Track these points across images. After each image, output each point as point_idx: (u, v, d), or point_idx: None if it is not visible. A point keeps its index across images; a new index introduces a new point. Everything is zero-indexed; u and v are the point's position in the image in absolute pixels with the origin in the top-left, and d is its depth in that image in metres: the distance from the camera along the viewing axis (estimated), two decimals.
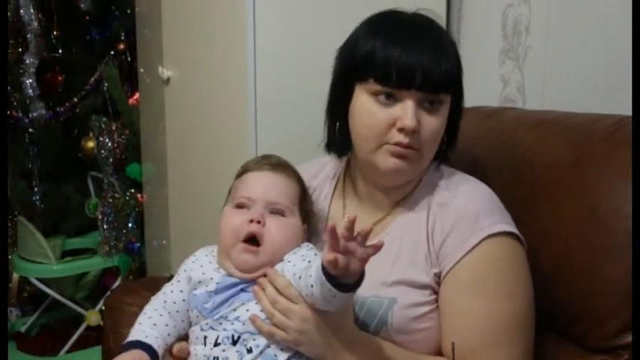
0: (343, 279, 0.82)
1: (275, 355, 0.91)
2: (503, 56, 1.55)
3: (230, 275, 0.97)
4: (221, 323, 0.93)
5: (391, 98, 0.95)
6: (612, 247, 0.92)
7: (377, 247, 0.80)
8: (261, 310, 0.93)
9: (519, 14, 1.49)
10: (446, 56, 0.95)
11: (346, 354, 0.92)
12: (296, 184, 1.04)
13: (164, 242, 2.06)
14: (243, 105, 1.51)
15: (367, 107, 0.97)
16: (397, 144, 0.95)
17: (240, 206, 0.99)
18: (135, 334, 0.96)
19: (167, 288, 1.02)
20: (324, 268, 0.82)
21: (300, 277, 0.90)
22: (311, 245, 1.01)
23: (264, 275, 0.96)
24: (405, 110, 0.94)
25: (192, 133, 1.81)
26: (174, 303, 1.00)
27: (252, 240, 0.96)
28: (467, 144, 1.22)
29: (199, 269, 1.00)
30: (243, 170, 1.05)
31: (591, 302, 0.94)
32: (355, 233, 0.79)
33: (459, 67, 1.00)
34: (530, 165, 1.09)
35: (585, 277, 0.95)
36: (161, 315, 0.99)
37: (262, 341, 0.92)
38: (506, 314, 0.93)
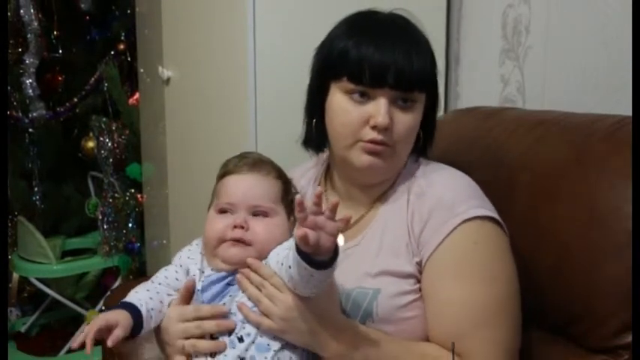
0: (316, 256, 0.82)
1: (268, 345, 0.92)
2: (504, 56, 1.55)
3: (217, 271, 0.97)
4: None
5: (365, 96, 0.97)
6: (612, 247, 0.92)
7: (345, 221, 0.82)
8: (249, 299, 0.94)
9: (519, 14, 1.49)
10: (419, 55, 0.97)
11: (332, 342, 0.92)
12: (276, 180, 1.02)
13: (164, 242, 2.06)
14: (243, 105, 1.51)
15: (341, 105, 0.99)
16: (370, 141, 0.97)
17: (222, 211, 1.00)
18: (127, 297, 0.97)
19: (165, 272, 1.02)
20: (297, 247, 0.82)
21: (282, 264, 0.91)
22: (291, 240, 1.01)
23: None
24: (378, 108, 0.96)
25: (192, 133, 1.81)
26: (170, 284, 1.01)
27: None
28: (467, 144, 1.23)
29: (191, 262, 1.02)
30: (223, 173, 1.04)
31: (591, 302, 0.94)
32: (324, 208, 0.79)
33: (433, 66, 1.02)
34: (530, 165, 1.09)
35: (585, 277, 0.95)
36: (159, 284, 1.00)
37: (252, 330, 0.92)
38: (488, 297, 0.93)
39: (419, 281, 0.97)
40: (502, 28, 1.55)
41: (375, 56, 0.95)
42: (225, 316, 0.92)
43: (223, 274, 0.97)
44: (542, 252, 1.02)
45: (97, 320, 0.90)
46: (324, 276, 0.85)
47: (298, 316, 0.91)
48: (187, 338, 0.93)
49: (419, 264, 0.97)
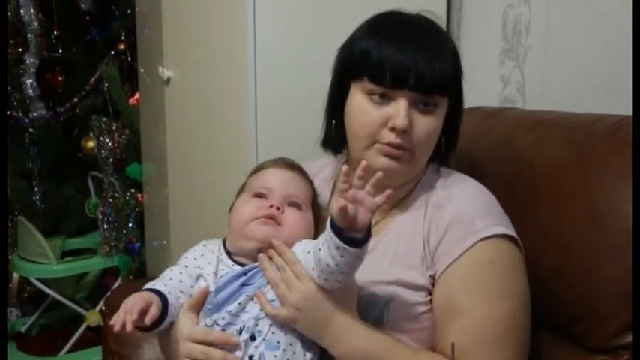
0: (350, 232, 0.83)
1: (278, 342, 0.91)
2: (504, 56, 1.55)
3: (233, 263, 0.97)
4: (224, 317, 0.92)
5: (385, 97, 0.96)
6: (612, 247, 0.92)
7: (386, 197, 0.82)
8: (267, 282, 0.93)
9: (519, 14, 1.49)
10: (441, 58, 0.95)
11: (340, 341, 0.91)
12: (310, 185, 1.06)
13: (164, 242, 2.06)
14: (243, 105, 1.51)
15: (361, 106, 0.98)
16: (388, 144, 0.96)
17: (257, 196, 1.00)
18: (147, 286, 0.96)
19: (170, 273, 1.01)
20: (332, 222, 0.83)
21: (309, 252, 0.91)
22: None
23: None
24: (398, 110, 0.94)
25: (192, 133, 1.81)
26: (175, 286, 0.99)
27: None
28: (467, 144, 1.22)
29: (200, 263, 0.99)
30: (259, 167, 1.06)
31: (591, 302, 0.94)
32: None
33: (457, 70, 1.00)
34: (530, 165, 1.09)
35: (585, 277, 0.95)
36: (165, 285, 0.98)
37: (264, 327, 0.91)
38: (498, 315, 0.92)
39: (431, 293, 0.96)
40: (502, 28, 1.55)
41: (396, 57, 0.93)
42: (232, 348, 0.90)
43: (238, 271, 0.95)
44: (542, 252, 1.02)
45: (135, 302, 0.89)
46: (353, 257, 0.85)
47: (312, 307, 0.90)
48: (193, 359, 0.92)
49: (432, 277, 0.96)
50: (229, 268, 0.97)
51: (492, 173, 1.13)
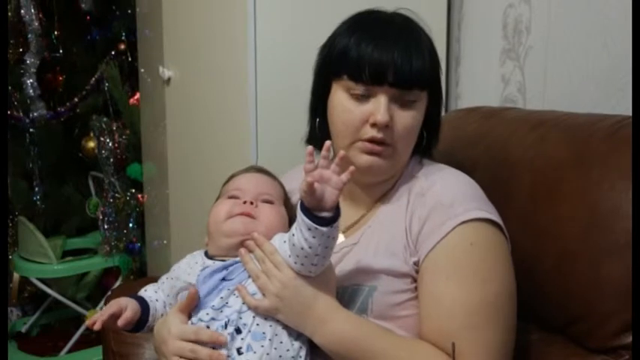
0: (320, 212, 0.86)
1: (264, 333, 0.92)
2: (504, 56, 1.55)
3: (212, 258, 1.00)
4: (208, 313, 0.93)
5: (365, 95, 0.98)
6: (612, 247, 0.92)
7: (351, 173, 0.86)
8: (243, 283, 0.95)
9: (520, 14, 1.49)
10: (418, 53, 0.97)
11: (323, 326, 0.92)
12: (281, 186, 1.09)
13: (165, 242, 2.06)
14: (243, 105, 1.51)
15: (342, 103, 1.00)
16: (370, 140, 0.98)
17: (231, 197, 1.03)
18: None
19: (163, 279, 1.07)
20: (302, 204, 0.86)
21: (285, 241, 0.93)
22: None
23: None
24: (378, 106, 0.97)
25: (192, 133, 1.81)
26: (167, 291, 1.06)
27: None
28: (467, 144, 1.23)
29: (184, 271, 1.02)
30: (231, 176, 1.10)
31: (591, 302, 0.94)
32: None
33: (434, 64, 1.02)
34: (531, 165, 1.09)
35: (585, 277, 0.95)
36: (158, 288, 1.07)
37: (248, 319, 0.93)
38: (481, 299, 0.92)
39: (415, 281, 0.97)
40: (503, 28, 1.55)
41: (375, 54, 0.96)
42: (221, 346, 0.91)
43: (218, 265, 0.97)
44: (542, 252, 1.02)
45: (110, 306, 0.98)
46: (325, 238, 0.87)
47: (292, 295, 0.92)
48: (181, 357, 0.93)
49: (415, 264, 0.97)
50: (211, 263, 0.99)
51: (493, 173, 1.13)
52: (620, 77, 1.20)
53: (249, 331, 0.92)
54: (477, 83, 1.62)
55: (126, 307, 0.98)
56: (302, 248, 0.88)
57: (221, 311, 0.93)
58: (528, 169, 1.09)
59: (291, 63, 1.51)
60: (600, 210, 0.94)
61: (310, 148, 0.87)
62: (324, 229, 0.86)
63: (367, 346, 0.92)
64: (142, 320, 1.01)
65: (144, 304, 1.02)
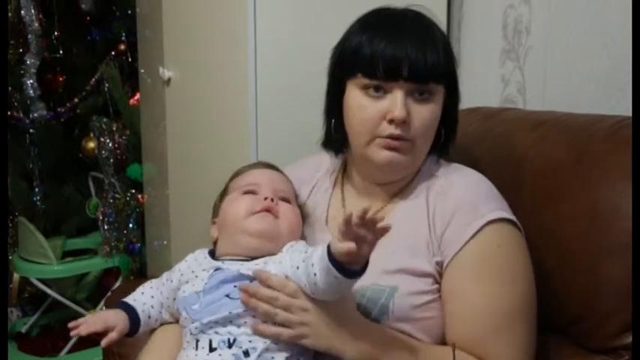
0: (351, 266, 0.82)
1: (272, 358, 0.90)
2: (504, 57, 1.55)
3: (224, 261, 0.96)
4: (211, 327, 0.91)
5: (380, 91, 0.97)
6: (612, 247, 0.92)
7: (385, 230, 0.80)
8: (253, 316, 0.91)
9: (520, 14, 1.49)
10: (432, 47, 0.96)
11: (355, 343, 0.90)
12: (290, 183, 1.08)
13: (165, 243, 2.06)
14: (243, 105, 1.51)
15: (358, 102, 0.99)
16: (389, 136, 0.96)
17: (248, 192, 1.01)
18: (126, 298, 1.03)
19: (163, 279, 1.05)
20: (330, 255, 0.82)
21: (298, 268, 0.90)
22: (304, 242, 1.01)
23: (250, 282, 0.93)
24: (394, 101, 0.95)
25: (192, 134, 1.81)
26: (166, 293, 1.04)
27: None
28: (467, 144, 1.22)
29: (188, 269, 1.00)
30: (239, 171, 1.08)
31: (591, 302, 0.94)
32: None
33: (449, 58, 1.01)
34: (531, 165, 1.09)
35: (585, 277, 0.95)
36: (156, 288, 1.05)
37: (259, 344, 0.89)
38: (509, 300, 0.93)
39: (437, 281, 0.96)
40: (503, 29, 1.55)
41: (388, 50, 0.95)
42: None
43: (228, 276, 0.93)
44: (542, 252, 1.02)
45: (97, 321, 0.95)
46: (351, 284, 0.86)
47: (316, 319, 0.89)
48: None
49: (439, 264, 0.96)
50: (224, 267, 0.96)
51: (493, 174, 1.13)
52: (620, 77, 1.20)
53: (259, 356, 0.89)
54: (476, 84, 1.62)
55: (113, 326, 0.96)
56: (325, 291, 0.86)
57: (224, 326, 0.91)
58: (528, 169, 1.09)
59: (291, 63, 1.51)
60: (600, 210, 0.94)
61: (368, 206, 0.79)
62: (350, 280, 0.84)
63: None
64: (132, 331, 1.00)
65: (133, 315, 1.00)
